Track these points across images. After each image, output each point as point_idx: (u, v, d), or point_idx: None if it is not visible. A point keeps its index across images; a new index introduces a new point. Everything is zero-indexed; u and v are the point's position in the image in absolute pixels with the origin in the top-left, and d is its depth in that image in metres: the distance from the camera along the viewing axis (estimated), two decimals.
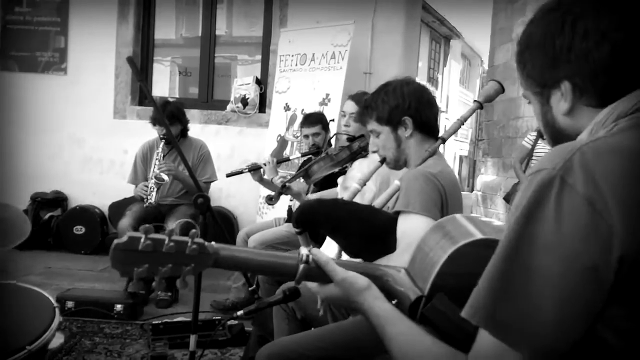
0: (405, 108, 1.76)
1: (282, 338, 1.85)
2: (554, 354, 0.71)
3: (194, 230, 0.90)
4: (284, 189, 2.59)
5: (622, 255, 0.69)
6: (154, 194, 3.62)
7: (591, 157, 0.73)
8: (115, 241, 0.85)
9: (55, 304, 1.76)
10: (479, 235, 1.00)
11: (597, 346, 0.72)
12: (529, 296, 0.71)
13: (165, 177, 3.58)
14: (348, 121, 2.97)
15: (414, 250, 1.10)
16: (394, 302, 1.05)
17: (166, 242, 0.87)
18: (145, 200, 3.62)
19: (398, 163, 1.86)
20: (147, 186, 3.65)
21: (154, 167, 3.66)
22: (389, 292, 1.06)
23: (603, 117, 0.85)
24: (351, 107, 2.97)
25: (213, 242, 0.95)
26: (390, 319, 0.95)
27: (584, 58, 0.85)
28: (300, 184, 2.73)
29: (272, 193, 2.63)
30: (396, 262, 1.45)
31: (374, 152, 1.90)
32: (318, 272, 1.02)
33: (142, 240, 0.85)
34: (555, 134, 0.95)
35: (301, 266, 1.00)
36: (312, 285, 1.08)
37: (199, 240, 0.91)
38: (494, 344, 0.74)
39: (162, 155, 3.68)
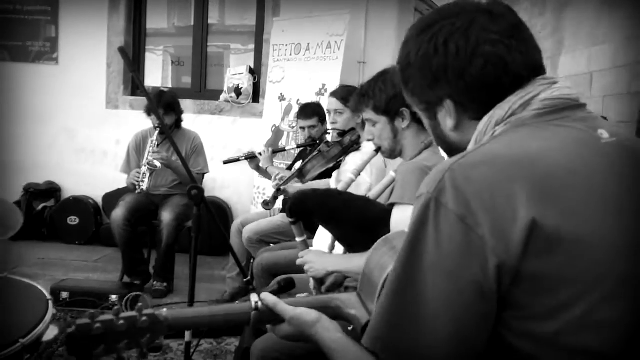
0: (404, 98, 1.75)
1: None
2: None
3: (140, 304, 0.94)
4: (279, 193, 2.58)
5: (498, 264, 0.72)
6: (146, 180, 3.61)
7: (460, 174, 0.76)
8: (68, 331, 0.88)
9: (49, 297, 1.76)
10: None
11: (507, 351, 0.75)
12: (423, 320, 0.74)
13: (158, 164, 3.58)
14: (334, 118, 2.96)
15: (363, 270, 1.11)
16: (350, 328, 1.10)
17: (115, 321, 0.90)
18: (137, 187, 3.60)
19: (393, 153, 1.85)
20: (139, 173, 3.63)
21: (148, 154, 3.65)
22: (344, 318, 1.09)
23: (483, 127, 0.88)
24: (334, 104, 2.97)
25: (164, 309, 0.98)
26: (339, 349, 0.96)
27: (460, 76, 0.88)
28: (295, 184, 2.73)
29: (268, 197, 2.63)
30: None
31: (369, 140, 1.89)
32: (270, 315, 1.05)
33: (92, 325, 0.88)
34: (448, 147, 1.00)
35: (252, 313, 1.04)
36: (269, 328, 1.12)
37: (148, 311, 0.94)
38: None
39: (156, 143, 3.66)
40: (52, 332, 1.67)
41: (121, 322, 0.90)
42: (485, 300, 0.72)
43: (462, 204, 0.73)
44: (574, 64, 5.87)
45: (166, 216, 3.62)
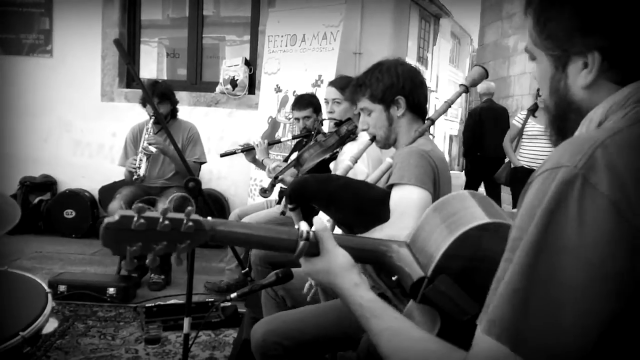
0: (400, 88, 1.78)
1: (277, 314, 1.85)
2: None
3: (190, 208, 0.88)
4: (276, 181, 2.58)
5: None
6: (143, 166, 3.60)
7: (615, 153, 0.67)
8: (106, 220, 0.82)
9: (48, 290, 1.76)
10: (486, 219, 0.99)
11: (604, 349, 0.68)
12: (552, 309, 0.65)
13: (153, 149, 3.58)
14: (332, 107, 2.96)
15: (417, 226, 1.07)
16: (394, 278, 1.04)
17: (161, 220, 0.85)
18: (134, 173, 3.60)
19: (388, 142, 1.87)
20: (135, 160, 3.63)
21: (143, 140, 3.65)
22: (391, 268, 1.04)
23: (623, 98, 0.76)
24: (332, 93, 2.96)
25: (209, 217, 0.92)
26: (375, 311, 0.89)
27: (631, 27, 0.75)
28: (292, 173, 2.73)
29: (266, 185, 2.63)
30: (389, 230, 1.46)
31: (363, 130, 1.90)
32: (317, 249, 0.99)
33: (135, 219, 0.83)
34: (563, 106, 0.85)
35: (301, 243, 0.97)
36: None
37: (195, 217, 0.89)
38: (497, 348, 0.68)
39: (151, 130, 3.66)
40: (51, 325, 1.67)
41: (166, 222, 0.85)
42: (623, 299, 0.65)
43: (617, 188, 0.64)
44: None
45: (161, 206, 3.62)
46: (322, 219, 1.01)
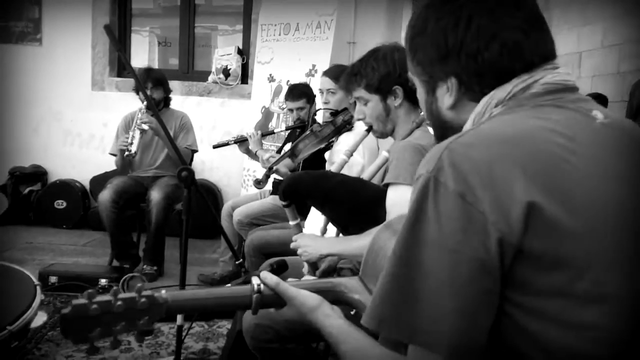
0: (397, 76, 1.73)
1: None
2: (473, 347, 0.73)
3: (139, 285, 0.90)
4: (271, 172, 2.56)
5: (500, 238, 0.71)
6: (135, 142, 3.56)
7: (457, 152, 0.76)
8: (63, 312, 0.84)
9: (37, 282, 1.73)
10: None
11: (513, 327, 0.75)
12: (426, 295, 0.73)
13: (145, 127, 3.55)
14: (327, 98, 2.93)
15: (365, 254, 1.09)
16: (352, 312, 1.08)
17: (113, 302, 0.87)
18: (126, 150, 3.55)
19: (384, 132, 1.84)
20: (127, 137, 3.58)
21: (136, 120, 3.61)
22: (347, 303, 1.07)
23: (481, 108, 0.88)
24: (327, 83, 2.93)
25: (163, 291, 0.95)
26: (342, 336, 0.95)
27: (474, 57, 0.87)
28: (287, 163, 2.70)
29: (260, 176, 2.61)
30: None
31: (359, 119, 1.87)
32: (272, 297, 1.03)
33: (88, 306, 0.84)
34: (440, 124, 0.98)
35: (254, 296, 1.01)
36: (269, 311, 1.09)
37: (147, 292, 0.91)
38: (413, 349, 0.77)
39: (144, 110, 3.61)
40: (40, 318, 1.64)
41: (119, 303, 0.87)
42: (488, 276, 0.72)
43: (460, 181, 0.73)
44: (563, 44, 5.86)
45: (155, 195, 3.59)
46: (270, 275, 1.04)
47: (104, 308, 0.86)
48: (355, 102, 1.88)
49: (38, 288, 1.70)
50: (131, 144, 3.54)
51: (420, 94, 0.99)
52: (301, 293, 1.02)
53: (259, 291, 1.01)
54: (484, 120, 0.87)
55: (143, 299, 0.89)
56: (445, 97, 0.93)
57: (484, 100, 0.88)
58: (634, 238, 0.76)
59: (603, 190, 0.76)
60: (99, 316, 0.85)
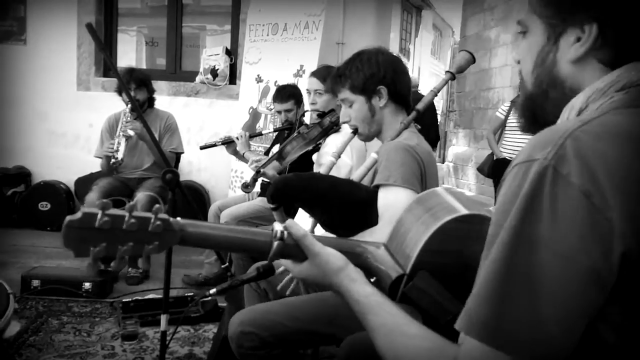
0: (381, 77, 1.73)
1: (257, 305, 1.80)
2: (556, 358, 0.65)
3: (157, 205, 0.83)
4: (259, 175, 2.52)
5: (624, 252, 0.63)
6: (121, 149, 3.51)
7: (586, 142, 0.66)
8: (68, 218, 0.76)
9: (10, 291, 1.67)
10: (463, 211, 0.96)
11: (592, 342, 0.67)
12: (530, 305, 0.64)
13: (131, 133, 3.50)
14: (314, 98, 2.90)
15: (394, 225, 1.05)
16: (372, 279, 1.00)
17: (126, 218, 0.79)
18: (112, 157, 3.50)
19: (370, 134, 1.83)
20: (112, 144, 3.53)
21: (121, 125, 3.56)
22: (368, 269, 1.01)
23: (605, 86, 0.75)
24: (315, 83, 2.90)
25: (179, 218, 0.87)
26: (372, 307, 0.87)
27: (629, 5, 0.74)
28: (274, 166, 2.67)
29: (248, 179, 2.57)
30: (379, 236, 1.41)
31: (344, 122, 1.85)
32: (293, 249, 0.95)
33: (99, 217, 0.76)
34: (546, 81, 0.83)
35: (275, 243, 0.93)
36: (285, 262, 1.00)
37: (163, 216, 0.83)
38: (481, 348, 0.67)
39: (128, 115, 3.57)
40: (14, 328, 1.59)
41: (133, 220, 0.79)
42: (600, 290, 0.64)
43: (588, 178, 0.63)
44: None
45: (141, 197, 3.54)
46: (298, 225, 0.96)
47: (116, 222, 0.78)
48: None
49: (11, 297, 1.65)
50: (117, 150, 3.49)
51: (533, 41, 0.83)
52: (326, 250, 0.94)
53: (281, 238, 0.93)
54: (601, 104, 0.74)
55: (158, 222, 0.82)
56: (572, 47, 0.78)
57: (611, 77, 0.75)
58: None
59: None
60: (108, 231, 0.78)
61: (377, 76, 1.73)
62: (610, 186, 0.63)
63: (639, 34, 0.75)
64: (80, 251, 0.78)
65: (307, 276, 0.97)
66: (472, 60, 1.86)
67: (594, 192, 0.63)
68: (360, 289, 0.90)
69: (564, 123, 0.72)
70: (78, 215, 0.76)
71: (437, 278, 0.94)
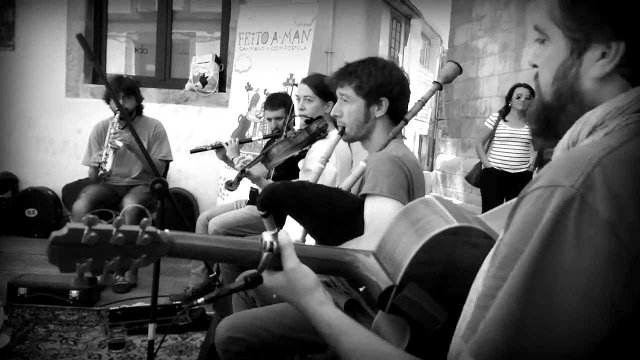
0: (388, 90, 1.75)
1: (244, 311, 1.80)
2: None
3: (145, 219, 0.82)
4: (243, 174, 2.53)
5: None
6: (109, 160, 3.50)
7: (613, 172, 0.64)
8: (54, 234, 0.75)
9: (0, 302, 1.66)
10: (452, 224, 0.97)
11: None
12: (547, 332, 0.63)
13: (120, 144, 3.49)
14: (303, 104, 2.92)
15: (384, 234, 1.05)
16: (361, 289, 1.01)
17: (114, 233, 0.78)
18: (99, 168, 3.49)
19: (356, 137, 1.84)
20: (100, 155, 3.52)
21: (109, 135, 3.55)
22: (358, 278, 1.01)
23: (626, 104, 0.74)
24: (305, 90, 2.93)
25: (167, 230, 0.87)
26: (345, 329, 0.87)
27: None
28: (260, 168, 2.68)
29: (232, 178, 2.58)
30: (364, 245, 1.42)
31: (335, 116, 1.85)
32: (277, 261, 0.95)
33: (86, 232, 0.76)
34: (566, 95, 0.80)
35: (264, 254, 0.93)
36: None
37: (151, 229, 0.82)
38: None
39: (117, 125, 3.55)
40: (3, 340, 1.57)
41: (120, 235, 0.78)
42: (614, 321, 0.63)
43: (615, 210, 0.62)
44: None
45: (128, 202, 3.53)
46: (286, 233, 0.96)
47: (103, 237, 0.77)
48: (330, 112, 1.87)
49: (1, 309, 1.63)
50: (105, 162, 3.48)
51: (554, 52, 0.80)
52: (302, 267, 0.94)
53: (270, 249, 0.93)
54: (619, 123, 0.73)
55: (146, 235, 0.81)
56: (598, 64, 0.76)
57: (632, 95, 0.73)
58: None
59: None
60: (94, 246, 0.77)
61: (384, 87, 1.74)
62: (638, 218, 0.62)
63: None
64: (66, 267, 0.78)
65: (274, 287, 0.97)
66: (459, 70, 1.89)
67: (620, 226, 0.62)
68: (331, 312, 0.90)
69: (589, 148, 0.69)
70: (64, 231, 0.75)
71: (425, 288, 0.96)
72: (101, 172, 3.49)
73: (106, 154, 3.51)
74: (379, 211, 1.52)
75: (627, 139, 0.70)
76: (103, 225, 0.78)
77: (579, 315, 0.63)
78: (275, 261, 0.95)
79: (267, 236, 0.95)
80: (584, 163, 0.66)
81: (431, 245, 0.95)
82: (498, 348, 0.65)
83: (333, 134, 2.57)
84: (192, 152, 3.38)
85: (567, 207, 0.63)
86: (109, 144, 3.53)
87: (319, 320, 0.90)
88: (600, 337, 0.64)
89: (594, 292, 0.62)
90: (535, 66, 0.86)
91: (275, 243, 0.94)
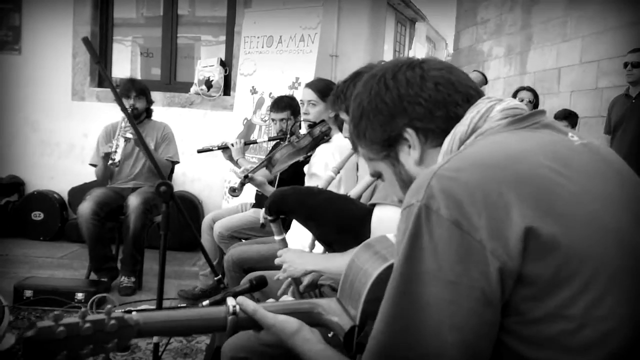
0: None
1: (248, 331, 1.81)
2: None
3: (109, 306, 0.87)
4: (247, 180, 2.54)
5: (500, 267, 0.70)
6: (119, 151, 3.51)
7: (447, 177, 0.74)
8: (25, 336, 0.80)
9: (5, 303, 1.67)
10: (389, 261, 0.98)
11: (507, 355, 0.73)
12: (427, 330, 0.71)
13: (130, 135, 3.50)
14: (307, 109, 2.93)
15: (343, 274, 1.07)
16: (330, 334, 1.05)
17: (80, 324, 0.83)
18: (111, 156, 3.50)
19: None
20: (112, 145, 3.54)
21: (120, 129, 3.58)
22: (325, 325, 1.04)
23: (447, 146, 0.87)
24: (309, 94, 2.93)
25: (133, 313, 0.91)
26: None
27: (416, 102, 0.89)
28: (263, 173, 2.68)
29: (236, 184, 2.58)
30: None
31: (346, 137, 1.87)
32: (248, 321, 1.00)
33: (54, 328, 0.80)
34: (408, 186, 0.95)
35: (229, 318, 0.98)
36: (249, 332, 1.06)
37: (117, 314, 0.87)
38: None
39: (126, 121, 3.57)
40: (8, 341, 1.58)
41: (87, 325, 0.83)
42: (489, 307, 0.70)
43: (454, 208, 0.71)
44: (543, 60, 5.95)
45: (133, 201, 3.54)
46: (247, 301, 1.01)
47: (71, 331, 0.82)
48: (335, 116, 1.88)
49: (7, 309, 1.64)
50: (115, 152, 3.50)
51: (388, 173, 0.99)
52: (279, 319, 1.00)
53: (234, 313, 0.98)
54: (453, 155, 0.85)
55: (112, 321, 0.85)
56: (410, 155, 0.93)
57: (448, 139, 0.88)
58: (632, 257, 0.76)
59: (595, 209, 0.76)
60: (65, 339, 0.81)
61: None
62: (475, 211, 0.71)
63: (444, 112, 0.89)
64: None
65: (269, 342, 1.03)
66: (485, 81, 1.88)
67: (461, 220, 0.71)
68: (313, 347, 0.97)
69: (430, 168, 0.81)
70: (33, 330, 0.80)
71: None
72: (110, 161, 3.51)
73: (117, 145, 3.53)
74: (388, 217, 1.52)
75: (453, 155, 0.82)
76: (69, 319, 0.82)
77: (450, 308, 0.70)
78: (249, 323, 1.00)
79: (230, 301, 0.99)
80: (425, 179, 0.76)
81: (379, 282, 0.96)
82: (381, 349, 0.75)
83: (336, 137, 2.58)
84: (199, 151, 3.42)
85: (418, 218, 0.73)
86: (120, 135, 3.55)
87: (303, 356, 0.97)
88: (486, 327, 0.71)
89: (457, 281, 0.70)
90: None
91: (237, 307, 0.99)
